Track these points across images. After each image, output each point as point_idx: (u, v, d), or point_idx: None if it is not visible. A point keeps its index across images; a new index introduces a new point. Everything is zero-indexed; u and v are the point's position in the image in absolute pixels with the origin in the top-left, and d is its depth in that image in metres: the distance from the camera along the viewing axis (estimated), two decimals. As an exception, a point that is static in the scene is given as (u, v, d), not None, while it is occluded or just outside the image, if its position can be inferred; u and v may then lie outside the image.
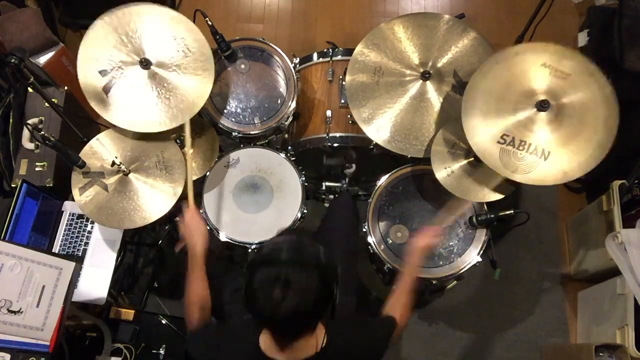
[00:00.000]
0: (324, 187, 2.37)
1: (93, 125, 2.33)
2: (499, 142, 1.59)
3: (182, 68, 1.76)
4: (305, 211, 1.93)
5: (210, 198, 1.93)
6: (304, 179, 1.96)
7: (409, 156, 1.83)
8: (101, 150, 1.82)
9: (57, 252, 1.99)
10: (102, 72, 1.73)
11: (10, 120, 2.18)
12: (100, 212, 1.76)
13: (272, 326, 1.18)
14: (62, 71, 2.54)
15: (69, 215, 2.06)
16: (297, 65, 2.12)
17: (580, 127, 1.58)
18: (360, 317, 1.47)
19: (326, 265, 1.14)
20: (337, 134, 2.02)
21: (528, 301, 2.43)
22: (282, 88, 2.01)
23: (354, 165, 2.19)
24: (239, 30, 3.02)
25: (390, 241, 1.88)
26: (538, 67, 1.63)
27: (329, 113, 2.03)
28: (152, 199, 1.77)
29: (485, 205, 1.88)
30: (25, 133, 2.21)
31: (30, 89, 2.24)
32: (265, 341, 1.24)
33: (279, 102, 2.00)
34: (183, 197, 1.66)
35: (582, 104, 1.60)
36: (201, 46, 1.79)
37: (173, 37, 1.78)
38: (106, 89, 1.72)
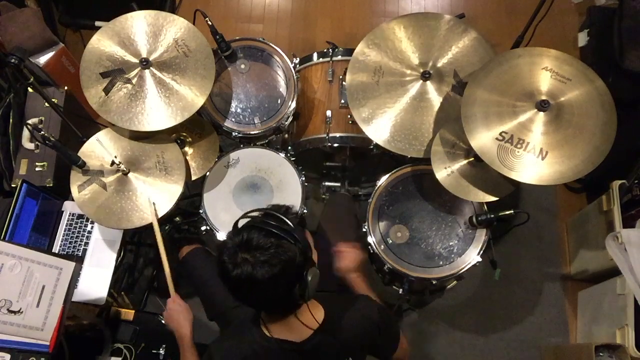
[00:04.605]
0: (324, 187, 2.37)
1: (93, 125, 2.33)
2: (497, 138, 1.60)
3: (182, 68, 1.77)
4: (305, 211, 1.93)
5: (210, 198, 1.93)
6: (304, 179, 1.96)
7: (409, 156, 1.83)
8: (100, 149, 1.82)
9: (57, 252, 1.99)
10: (104, 74, 1.74)
11: (10, 120, 2.18)
12: (99, 211, 1.76)
13: (250, 297, 1.18)
14: (62, 71, 2.54)
15: (69, 215, 2.06)
16: (297, 65, 2.12)
17: (578, 131, 1.59)
18: (349, 296, 1.49)
19: (287, 229, 1.15)
20: (337, 134, 2.02)
21: (528, 301, 2.43)
22: (282, 88, 2.01)
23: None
24: (239, 30, 3.02)
25: (390, 241, 1.88)
26: (539, 70, 1.65)
27: (329, 113, 2.03)
28: (151, 199, 1.77)
29: (485, 205, 1.88)
30: (25, 133, 2.21)
31: (30, 89, 2.24)
32: (268, 326, 1.25)
33: (279, 102, 2.00)
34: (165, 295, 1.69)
35: (582, 108, 1.61)
36: (201, 46, 1.79)
37: (173, 37, 1.79)
38: (107, 89, 1.73)
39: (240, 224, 1.20)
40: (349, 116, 1.97)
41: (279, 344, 1.23)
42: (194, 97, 1.75)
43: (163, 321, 1.63)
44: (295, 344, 1.24)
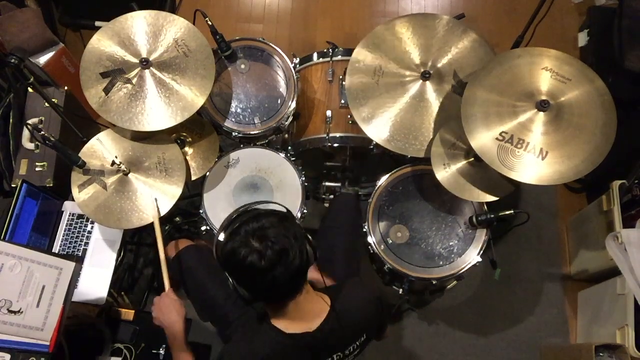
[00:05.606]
0: (324, 187, 2.37)
1: (93, 125, 2.33)
2: (497, 138, 1.60)
3: (182, 68, 1.77)
4: (305, 211, 1.93)
5: (210, 198, 1.93)
6: (304, 179, 1.96)
7: (409, 156, 1.83)
8: (101, 149, 1.82)
9: (57, 252, 1.99)
10: (104, 74, 1.74)
11: (10, 120, 2.18)
12: (99, 211, 1.76)
13: (272, 287, 1.17)
14: (62, 71, 2.54)
15: (69, 215, 2.06)
16: (297, 65, 2.12)
17: (578, 131, 1.59)
18: (348, 281, 1.50)
19: (281, 212, 1.22)
20: (337, 134, 2.02)
21: (528, 301, 2.43)
22: (282, 88, 2.01)
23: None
24: (239, 30, 3.02)
25: (390, 241, 1.88)
26: (539, 70, 1.65)
27: (329, 113, 2.03)
28: (151, 200, 1.77)
29: (485, 205, 1.88)
30: (25, 133, 2.21)
31: (30, 89, 2.24)
32: (278, 322, 1.25)
33: (279, 102, 2.00)
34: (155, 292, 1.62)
35: (582, 108, 1.61)
36: (201, 46, 1.79)
37: (173, 37, 1.79)
38: (107, 89, 1.73)
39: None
40: (349, 116, 1.97)
41: (297, 339, 1.24)
42: (194, 97, 1.75)
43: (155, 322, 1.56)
44: (309, 333, 1.25)
